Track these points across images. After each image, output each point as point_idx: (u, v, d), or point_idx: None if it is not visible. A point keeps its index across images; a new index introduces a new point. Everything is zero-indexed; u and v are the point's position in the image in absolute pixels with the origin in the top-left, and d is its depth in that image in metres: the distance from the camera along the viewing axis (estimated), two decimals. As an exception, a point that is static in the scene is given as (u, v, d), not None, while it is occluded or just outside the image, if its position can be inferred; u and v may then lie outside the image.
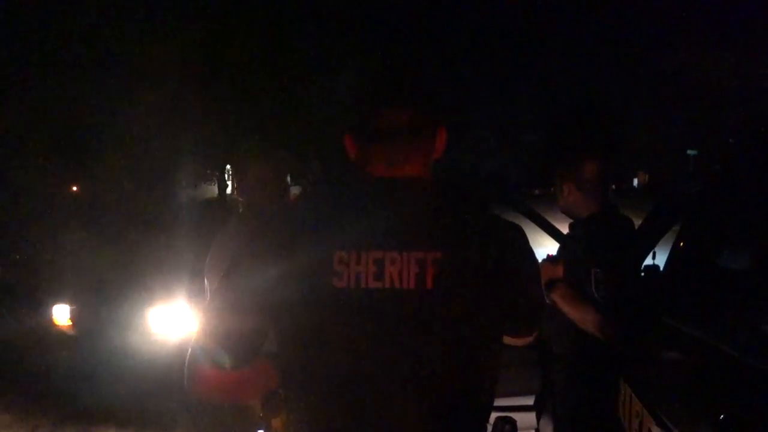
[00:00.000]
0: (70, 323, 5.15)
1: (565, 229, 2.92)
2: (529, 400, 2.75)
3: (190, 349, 1.10)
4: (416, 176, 1.14)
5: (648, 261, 3.08)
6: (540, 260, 1.81)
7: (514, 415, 1.43)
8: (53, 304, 5.23)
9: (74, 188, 20.97)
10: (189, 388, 1.11)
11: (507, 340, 1.24)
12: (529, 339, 1.30)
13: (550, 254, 2.31)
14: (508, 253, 1.12)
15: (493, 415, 1.29)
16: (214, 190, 29.35)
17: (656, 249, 3.08)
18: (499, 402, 1.39)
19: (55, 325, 5.22)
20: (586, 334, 2.06)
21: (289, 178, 2.57)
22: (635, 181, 57.15)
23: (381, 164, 1.13)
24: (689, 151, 35.99)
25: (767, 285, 2.29)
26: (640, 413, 2.20)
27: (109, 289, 5.22)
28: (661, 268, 3.08)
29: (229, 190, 32.35)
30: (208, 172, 26.34)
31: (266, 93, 19.11)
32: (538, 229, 3.09)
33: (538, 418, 2.74)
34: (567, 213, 2.42)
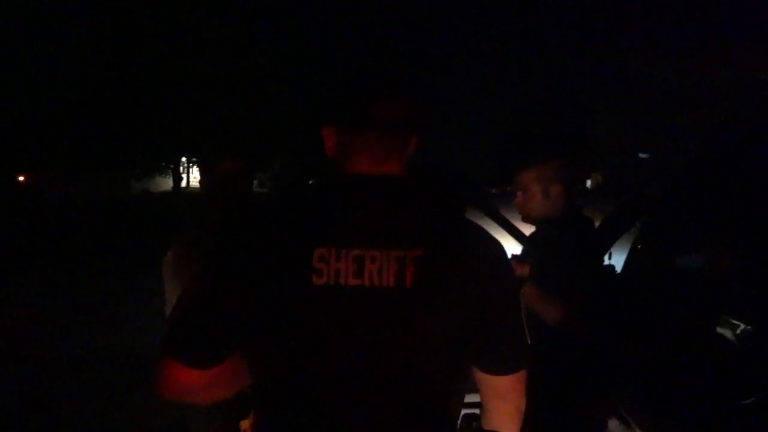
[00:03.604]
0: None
1: (524, 229, 2.96)
2: None
3: (161, 347, 1.06)
4: (397, 174, 1.14)
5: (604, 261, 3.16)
6: None
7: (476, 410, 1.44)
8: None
9: (20, 178, 20.26)
10: (158, 388, 1.07)
11: (489, 383, 1.17)
12: (518, 382, 1.18)
13: (514, 254, 2.34)
14: (489, 268, 1.11)
15: (461, 412, 1.29)
16: (169, 182, 28.74)
17: (611, 249, 3.17)
18: (466, 398, 1.40)
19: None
20: (553, 330, 2.10)
21: None
22: (588, 183, 58.46)
23: (365, 158, 1.12)
24: (641, 154, 37.16)
25: (723, 285, 2.38)
26: (602, 407, 2.27)
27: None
28: (616, 269, 3.17)
29: (184, 183, 31.78)
30: (163, 164, 25.78)
31: (228, 84, 18.79)
32: (499, 229, 3.12)
33: None
34: (531, 218, 2.40)
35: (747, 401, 1.92)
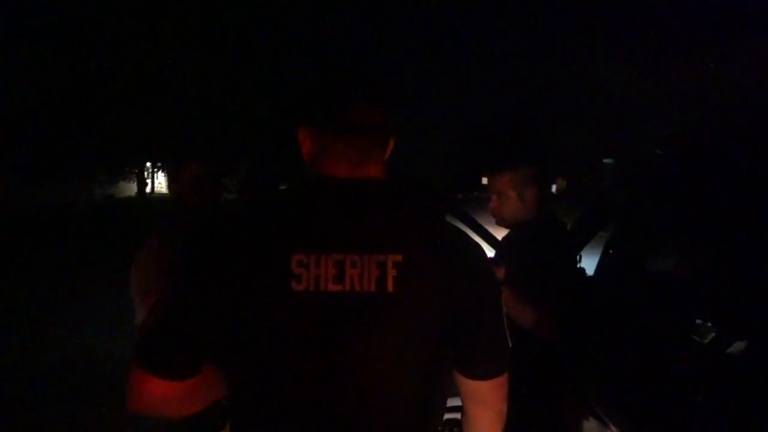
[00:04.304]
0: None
1: (495, 232, 2.98)
2: None
3: (132, 358, 1.02)
4: (377, 178, 1.12)
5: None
6: None
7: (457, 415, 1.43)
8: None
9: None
10: (130, 402, 1.02)
11: (470, 388, 1.16)
12: (499, 387, 1.17)
13: (489, 257, 2.34)
14: (471, 272, 1.10)
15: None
16: (133, 187, 28.20)
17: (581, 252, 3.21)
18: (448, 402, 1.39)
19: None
20: (528, 333, 2.10)
21: None
22: (554, 188, 59.22)
23: (343, 162, 1.10)
24: (605, 160, 37.96)
25: (692, 287, 2.43)
26: (576, 407, 2.29)
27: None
28: (586, 272, 3.21)
29: (149, 188, 31.19)
30: (126, 169, 25.27)
31: (193, 87, 18.47)
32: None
33: None
34: (505, 222, 2.41)
35: (706, 401, 1.96)
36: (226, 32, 19.45)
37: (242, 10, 19.63)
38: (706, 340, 2.31)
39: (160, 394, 1.01)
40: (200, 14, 18.52)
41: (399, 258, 1.02)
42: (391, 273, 1.02)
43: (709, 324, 2.34)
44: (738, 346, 2.19)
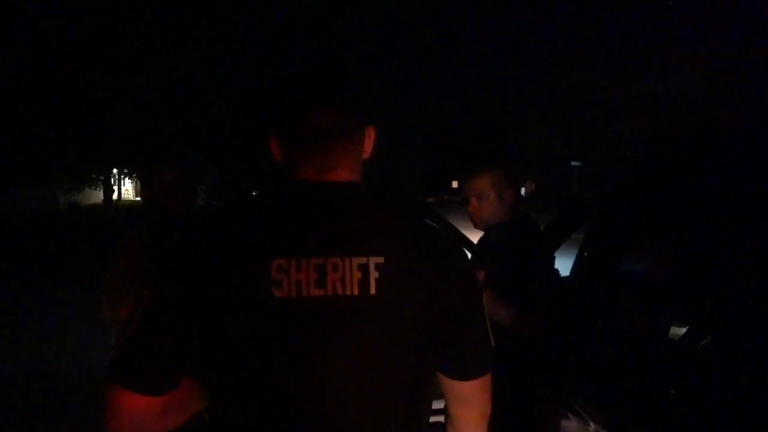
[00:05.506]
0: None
1: (469, 235, 3.00)
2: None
3: (107, 375, 0.98)
4: (350, 181, 1.11)
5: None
6: None
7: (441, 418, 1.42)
8: None
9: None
10: (108, 420, 0.98)
11: (454, 388, 1.16)
12: (483, 386, 1.18)
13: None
14: (452, 272, 1.09)
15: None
16: (99, 194, 27.65)
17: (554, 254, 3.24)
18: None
19: None
20: (506, 332, 2.11)
21: None
22: (523, 190, 60.09)
23: (311, 169, 1.08)
24: (573, 163, 38.67)
25: (668, 288, 2.47)
26: (555, 405, 2.31)
27: None
28: (560, 273, 3.24)
29: (116, 195, 30.63)
30: (93, 176, 24.75)
31: (160, 94, 18.21)
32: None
33: None
34: (484, 224, 2.42)
35: (680, 395, 2.00)
36: (195, 37, 19.23)
37: (212, 15, 19.44)
38: (679, 337, 2.35)
39: (139, 410, 0.97)
40: (170, 19, 18.29)
41: (380, 260, 1.01)
42: (374, 275, 1.00)
43: (681, 321, 2.38)
44: (709, 342, 2.24)
